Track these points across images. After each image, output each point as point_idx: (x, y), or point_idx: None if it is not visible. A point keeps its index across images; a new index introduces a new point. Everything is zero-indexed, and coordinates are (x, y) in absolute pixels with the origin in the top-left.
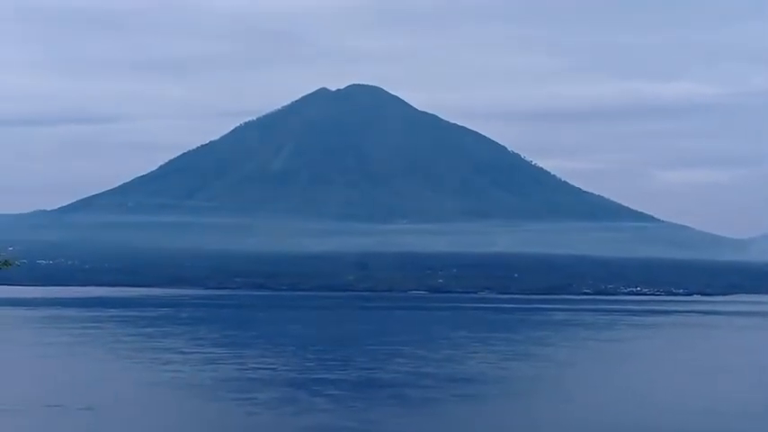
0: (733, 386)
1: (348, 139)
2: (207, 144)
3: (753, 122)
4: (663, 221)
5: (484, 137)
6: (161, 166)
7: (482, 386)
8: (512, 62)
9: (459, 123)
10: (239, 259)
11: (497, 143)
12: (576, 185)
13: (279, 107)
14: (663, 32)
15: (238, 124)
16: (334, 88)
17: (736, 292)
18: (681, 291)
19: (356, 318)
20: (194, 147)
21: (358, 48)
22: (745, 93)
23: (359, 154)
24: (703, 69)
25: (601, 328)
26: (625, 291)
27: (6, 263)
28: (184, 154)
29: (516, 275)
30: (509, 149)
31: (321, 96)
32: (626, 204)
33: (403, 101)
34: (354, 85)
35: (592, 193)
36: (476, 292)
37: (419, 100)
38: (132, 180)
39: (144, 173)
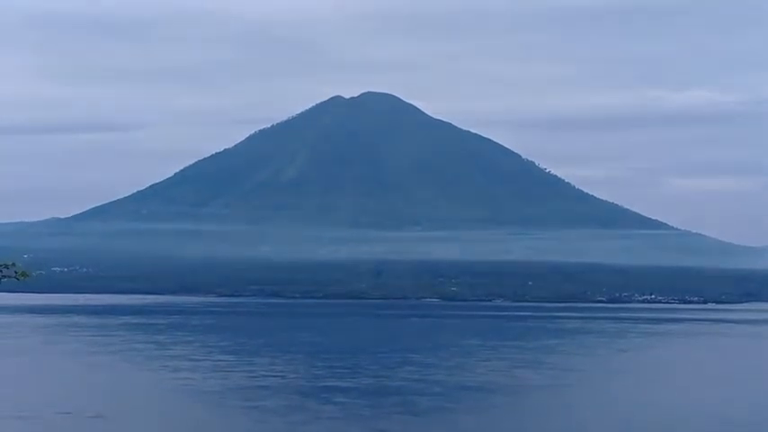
0: (738, 394)
1: (362, 146)
2: (221, 152)
3: (767, 131)
4: (677, 229)
5: (498, 145)
6: (175, 174)
7: (491, 395)
8: (526, 70)
9: (473, 131)
10: (253, 267)
11: (512, 151)
12: (590, 193)
13: (293, 115)
14: (677, 40)
15: (252, 132)
16: (348, 96)
17: (750, 300)
18: (695, 298)
19: (368, 326)
20: (208, 155)
21: (372, 56)
22: (760, 101)
23: (373, 162)
24: (718, 77)
25: (612, 337)
26: (639, 298)
27: (24, 274)
28: (198, 162)
29: (530, 283)
30: (523, 157)
31: (335, 104)
32: (640, 212)
33: (417, 108)
34: (368, 92)
35: (606, 201)
36: (489, 300)
37: (433, 108)
38: (146, 188)
39: (158, 180)
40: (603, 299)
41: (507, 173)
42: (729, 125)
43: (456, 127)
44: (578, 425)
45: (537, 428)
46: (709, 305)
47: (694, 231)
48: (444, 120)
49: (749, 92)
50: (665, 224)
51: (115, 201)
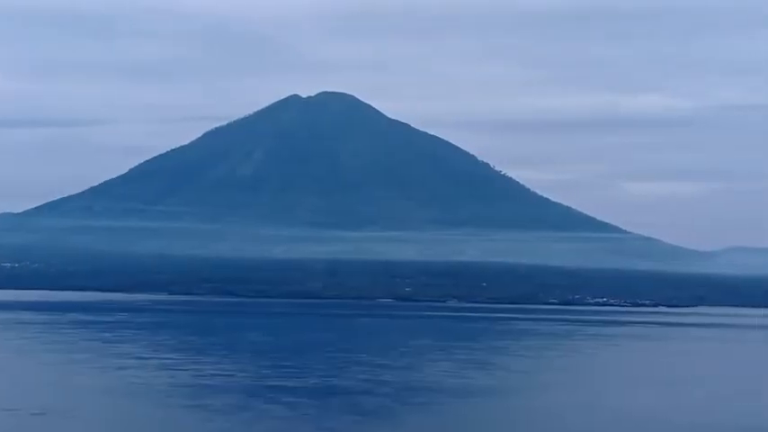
0: (683, 397)
1: (319, 146)
2: (177, 149)
3: (723, 136)
4: (630, 233)
5: (454, 146)
6: (130, 171)
7: (438, 395)
8: (484, 72)
9: (430, 132)
10: (207, 265)
11: (467, 152)
12: (545, 196)
13: (250, 113)
14: (635, 45)
15: (209, 129)
16: (305, 95)
17: (700, 304)
18: (647, 302)
19: (319, 325)
20: (164, 151)
21: (330, 55)
22: (716, 107)
23: (329, 161)
24: (676, 83)
25: (561, 339)
26: (591, 301)
27: None
28: (154, 158)
29: (484, 284)
30: (479, 159)
31: (292, 103)
32: (593, 215)
33: (374, 109)
34: (326, 92)
35: (560, 204)
36: (443, 301)
37: (391, 108)
38: (100, 184)
39: (112, 177)
40: (556, 301)
41: (463, 174)
42: (684, 130)
43: (413, 128)
44: (522, 426)
45: (481, 430)
46: (660, 309)
47: (647, 235)
48: (401, 120)
49: (704, 97)
50: (619, 228)
51: (68, 197)
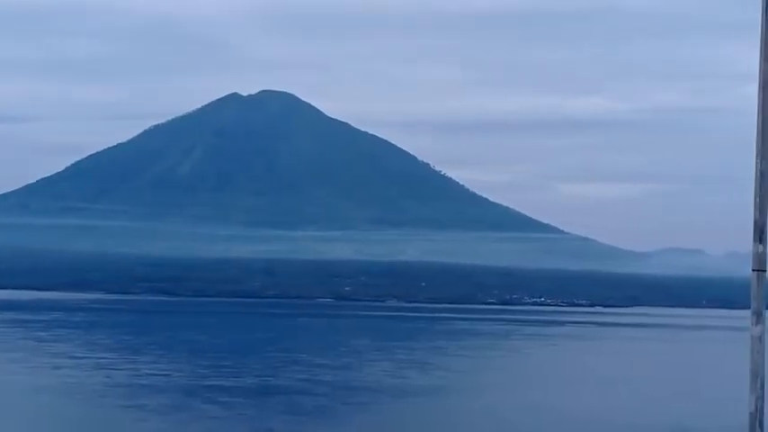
0: (618, 397)
1: (258, 145)
2: (114, 146)
3: (659, 139)
4: (567, 233)
5: (394, 146)
6: (66, 168)
7: (376, 395)
8: (424, 73)
9: (369, 132)
10: (144, 264)
11: (407, 152)
12: (484, 196)
13: (189, 111)
14: (574, 48)
15: (147, 127)
16: (245, 93)
17: (635, 305)
18: (583, 302)
19: (258, 325)
20: (101, 149)
21: (271, 54)
22: (653, 109)
23: (268, 160)
24: (613, 85)
25: (499, 338)
26: (529, 301)
27: None
28: (91, 156)
29: (423, 284)
30: (419, 159)
31: (232, 101)
32: (531, 216)
33: (315, 108)
34: (266, 90)
35: (499, 204)
36: (383, 301)
37: (331, 108)
38: (36, 181)
39: (48, 174)
40: (494, 301)
41: (402, 174)
42: (621, 133)
43: (353, 127)
44: (461, 427)
45: (418, 429)
46: (596, 309)
47: (584, 236)
48: (341, 120)
49: (641, 100)
50: (556, 228)
51: (3, 194)
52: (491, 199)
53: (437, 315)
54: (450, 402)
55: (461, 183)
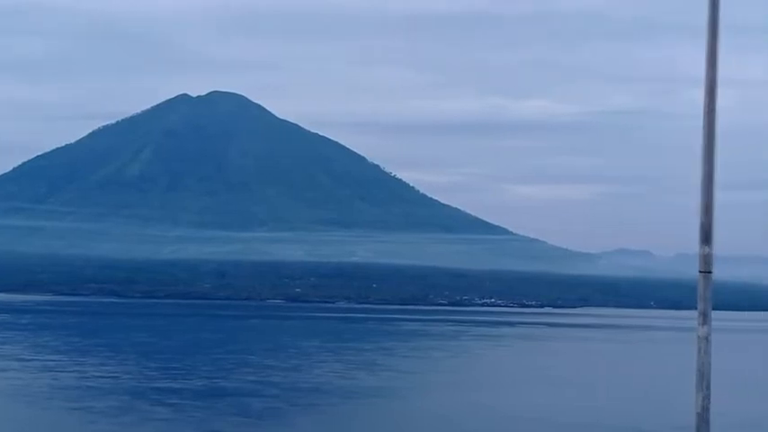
0: (567, 396)
1: (208, 145)
2: (62, 147)
3: (608, 141)
4: (517, 235)
5: (344, 147)
6: (13, 169)
7: (326, 396)
8: (374, 74)
9: (320, 133)
10: (93, 265)
11: (357, 154)
12: (435, 198)
13: (138, 111)
14: (521, 51)
15: (96, 128)
16: (195, 94)
17: (585, 305)
18: (533, 303)
19: (207, 327)
20: (49, 149)
21: (221, 55)
22: (600, 112)
23: (218, 161)
24: (562, 88)
25: (449, 339)
26: (479, 302)
27: None
28: (38, 157)
29: (374, 285)
30: (369, 160)
31: (182, 102)
32: (482, 217)
33: (265, 109)
34: (216, 91)
35: (449, 206)
36: (333, 302)
37: (281, 109)
38: None
39: None
40: (444, 302)
41: (353, 176)
42: (570, 135)
43: (303, 128)
44: (410, 427)
45: (367, 430)
46: (546, 309)
47: (534, 237)
48: (291, 121)
49: (590, 103)
50: (506, 230)
51: None
52: (441, 200)
53: (387, 316)
54: (398, 403)
55: (412, 184)
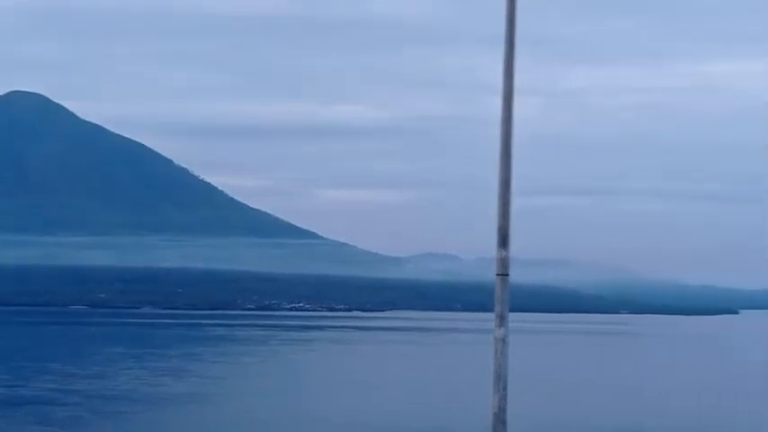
0: (378, 400)
1: (6, 147)
2: None
3: (417, 146)
4: (326, 239)
5: (151, 150)
6: None
7: (132, 404)
8: (181, 76)
9: (125, 135)
10: None
11: (164, 156)
12: (244, 202)
13: None
14: (333, 56)
15: None
16: None
17: (393, 309)
18: (342, 306)
19: (6, 333)
20: None
21: (20, 54)
22: (409, 117)
23: (18, 163)
24: (372, 93)
25: (258, 344)
26: (288, 306)
27: None
28: None
29: (180, 291)
30: (176, 163)
31: None
32: (291, 221)
33: (67, 110)
34: (15, 91)
35: (258, 210)
36: (139, 308)
37: (84, 110)
38: None
39: None
40: (252, 306)
41: (160, 179)
42: (379, 140)
43: (107, 130)
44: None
45: None
46: (355, 313)
47: (343, 241)
48: (95, 122)
49: (400, 108)
50: (315, 234)
51: None
52: (251, 204)
53: (195, 321)
54: (208, 409)
55: (221, 188)
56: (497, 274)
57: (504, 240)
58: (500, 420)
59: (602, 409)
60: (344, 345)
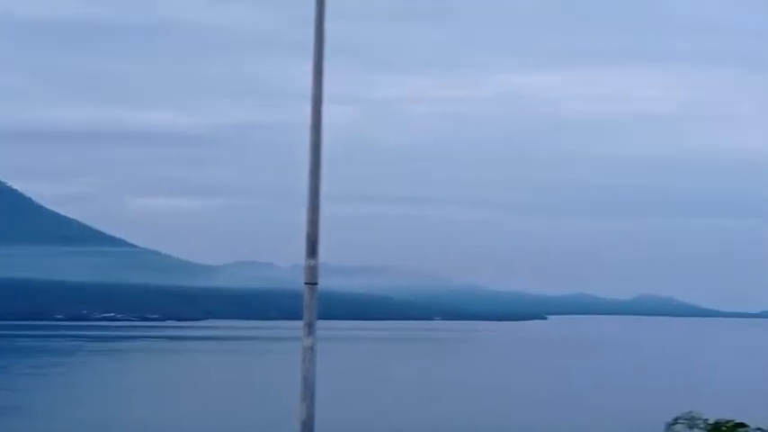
0: (185, 408)
1: None
2: None
3: (230, 154)
4: (138, 247)
5: None
6: None
7: None
8: None
9: None
10: None
11: None
12: (51, 209)
13: None
14: (145, 62)
15: None
16: None
17: (209, 318)
18: (155, 316)
19: None
20: None
21: None
22: (221, 124)
23: None
24: (183, 100)
25: (66, 355)
26: (99, 316)
27: None
28: None
29: None
30: None
31: None
32: (102, 229)
33: None
34: None
35: (68, 217)
36: None
37: None
38: None
39: None
40: (62, 317)
41: None
42: (191, 147)
43: None
44: None
45: None
46: (168, 323)
47: (155, 249)
48: None
49: (210, 115)
50: (126, 242)
51: None
52: (59, 212)
53: (1, 333)
54: (14, 423)
55: (27, 195)
56: (306, 283)
57: (312, 249)
58: (308, 428)
59: (405, 411)
60: (158, 354)
